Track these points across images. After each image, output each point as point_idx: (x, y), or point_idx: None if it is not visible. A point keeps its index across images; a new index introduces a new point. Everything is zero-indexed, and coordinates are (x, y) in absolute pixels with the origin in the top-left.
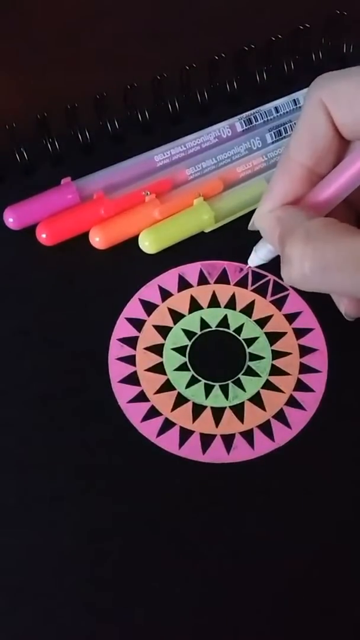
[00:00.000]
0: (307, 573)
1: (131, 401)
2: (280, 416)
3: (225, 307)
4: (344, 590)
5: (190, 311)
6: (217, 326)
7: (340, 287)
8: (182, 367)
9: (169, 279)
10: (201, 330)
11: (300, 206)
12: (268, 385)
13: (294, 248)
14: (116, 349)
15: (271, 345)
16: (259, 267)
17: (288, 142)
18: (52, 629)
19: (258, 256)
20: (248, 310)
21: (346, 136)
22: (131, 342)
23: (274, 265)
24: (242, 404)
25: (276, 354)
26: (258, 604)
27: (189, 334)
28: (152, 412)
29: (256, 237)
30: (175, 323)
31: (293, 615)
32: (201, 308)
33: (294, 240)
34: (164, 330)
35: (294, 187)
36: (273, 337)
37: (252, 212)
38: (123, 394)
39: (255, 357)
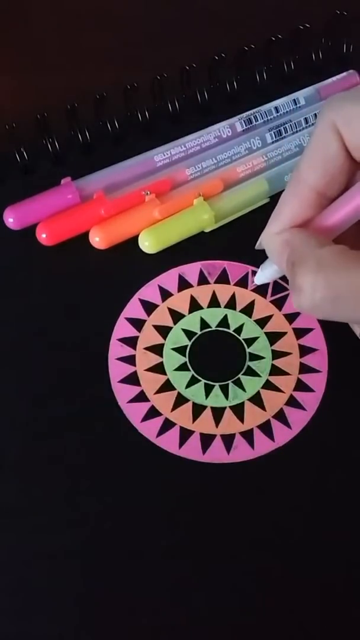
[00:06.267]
0: (307, 574)
1: (131, 401)
2: (280, 416)
3: (225, 307)
4: (345, 590)
5: (190, 311)
6: (217, 326)
7: (352, 316)
8: (182, 367)
9: (169, 278)
10: (201, 330)
11: (308, 229)
12: (268, 385)
13: (305, 278)
14: (116, 349)
15: (271, 345)
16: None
17: (298, 162)
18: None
19: (265, 275)
20: (248, 310)
21: (358, 159)
22: (131, 342)
23: None
24: (242, 404)
25: (276, 354)
26: (258, 603)
27: (189, 333)
28: (152, 412)
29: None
30: (175, 323)
31: (293, 615)
32: (201, 308)
33: (305, 270)
34: (164, 330)
35: (303, 210)
36: (273, 337)
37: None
38: (123, 394)
39: (255, 357)
